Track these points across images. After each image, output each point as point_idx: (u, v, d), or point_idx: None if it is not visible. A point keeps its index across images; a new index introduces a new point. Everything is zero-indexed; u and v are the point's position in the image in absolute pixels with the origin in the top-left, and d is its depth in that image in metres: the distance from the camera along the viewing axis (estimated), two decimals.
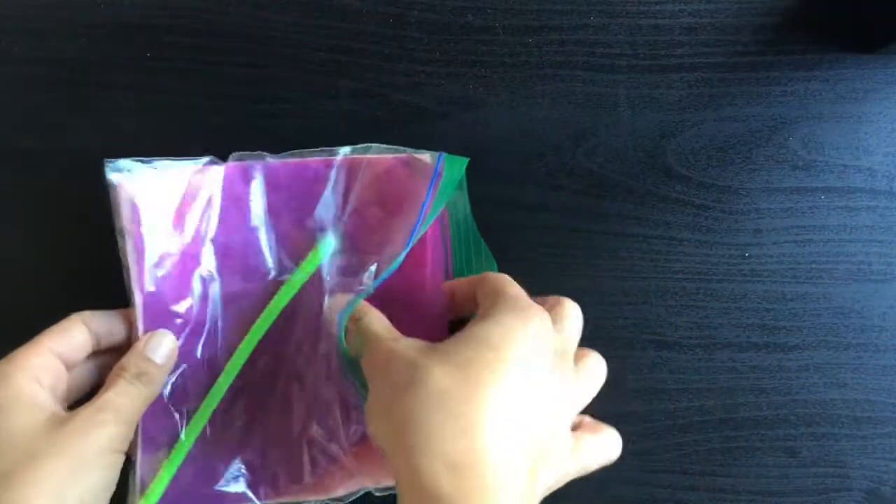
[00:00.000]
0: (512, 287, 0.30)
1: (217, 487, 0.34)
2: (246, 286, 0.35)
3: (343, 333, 0.32)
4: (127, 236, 0.33)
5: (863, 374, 0.38)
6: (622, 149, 0.38)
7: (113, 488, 0.30)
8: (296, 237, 0.36)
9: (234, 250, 0.35)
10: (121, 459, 0.30)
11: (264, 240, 0.35)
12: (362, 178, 0.35)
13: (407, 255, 0.33)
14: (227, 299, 0.35)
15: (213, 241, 0.35)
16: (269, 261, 0.35)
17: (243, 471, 0.34)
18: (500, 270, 0.36)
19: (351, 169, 0.36)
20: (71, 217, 0.38)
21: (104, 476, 0.29)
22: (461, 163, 0.36)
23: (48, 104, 0.38)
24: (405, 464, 0.25)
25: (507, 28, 0.38)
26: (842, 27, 0.39)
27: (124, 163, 0.33)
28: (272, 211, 0.35)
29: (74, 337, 0.32)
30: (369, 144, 0.36)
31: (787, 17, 0.39)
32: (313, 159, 0.36)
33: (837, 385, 0.38)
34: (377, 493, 0.35)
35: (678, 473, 0.38)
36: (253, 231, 0.35)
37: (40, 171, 0.38)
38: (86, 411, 0.30)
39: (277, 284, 0.35)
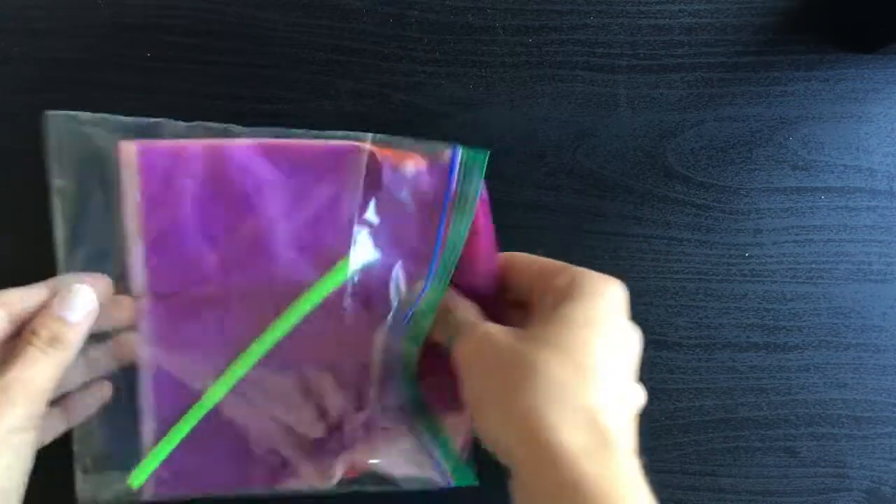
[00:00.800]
0: (573, 267, 0.30)
1: (206, 471, 0.34)
2: (252, 275, 0.33)
3: (415, 333, 0.31)
4: (124, 200, 0.32)
5: (863, 374, 0.38)
6: (622, 149, 0.38)
7: (29, 465, 0.28)
8: (311, 231, 0.34)
9: (231, 236, 0.33)
10: (32, 436, 0.28)
11: (267, 230, 0.33)
12: (385, 173, 0.34)
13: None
14: (235, 287, 0.33)
15: (204, 222, 0.33)
16: (279, 255, 0.33)
17: (232, 458, 0.34)
18: None
19: (369, 160, 0.34)
20: None
21: (14, 457, 0.28)
22: (481, 157, 0.34)
23: (48, 104, 0.38)
24: (539, 455, 0.26)
25: (507, 28, 0.39)
26: (842, 27, 0.39)
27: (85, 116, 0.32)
28: (282, 198, 0.33)
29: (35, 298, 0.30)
30: (387, 136, 0.34)
31: (787, 17, 0.39)
32: (332, 144, 0.33)
33: (837, 385, 0.38)
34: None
35: (678, 473, 0.38)
36: (254, 217, 0.33)
37: (40, 172, 0.38)
38: None
39: (289, 282, 0.33)
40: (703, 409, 0.38)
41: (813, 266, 0.38)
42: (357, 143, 0.33)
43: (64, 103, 0.38)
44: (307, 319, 0.33)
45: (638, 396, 0.29)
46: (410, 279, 0.33)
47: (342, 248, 0.33)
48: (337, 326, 0.34)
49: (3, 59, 0.38)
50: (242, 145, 0.33)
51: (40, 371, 0.29)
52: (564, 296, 0.28)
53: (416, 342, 0.32)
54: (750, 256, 0.38)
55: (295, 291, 0.33)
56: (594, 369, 0.26)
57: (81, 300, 0.30)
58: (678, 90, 0.39)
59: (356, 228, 0.33)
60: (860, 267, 0.38)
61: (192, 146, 0.33)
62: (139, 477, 0.32)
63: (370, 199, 0.33)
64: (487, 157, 0.34)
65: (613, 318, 0.28)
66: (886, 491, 0.38)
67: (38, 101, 0.38)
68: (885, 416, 0.38)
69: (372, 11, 0.39)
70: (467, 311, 0.31)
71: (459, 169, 0.33)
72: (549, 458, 0.25)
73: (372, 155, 0.33)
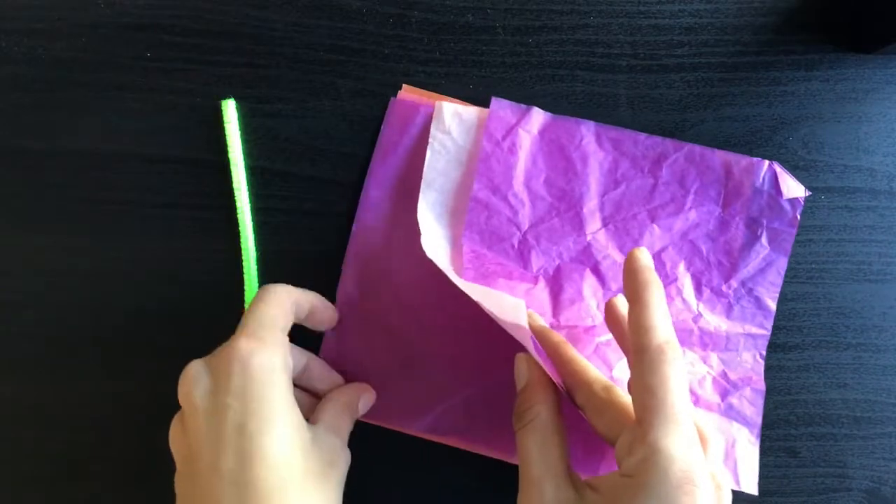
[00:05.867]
0: (677, 424, 0.26)
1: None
2: (553, 234, 0.37)
3: None
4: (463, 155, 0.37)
5: (863, 374, 0.38)
6: None
7: None
8: (623, 219, 0.37)
9: (549, 191, 0.37)
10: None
11: (582, 198, 0.37)
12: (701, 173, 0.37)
13: None
14: (536, 240, 0.37)
15: (528, 174, 0.37)
16: (585, 224, 0.37)
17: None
18: None
19: (690, 159, 0.37)
20: (71, 217, 0.38)
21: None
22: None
23: (48, 104, 0.38)
24: None
25: (507, 28, 0.38)
26: (842, 27, 0.39)
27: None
28: (601, 175, 0.37)
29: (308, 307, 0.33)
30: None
31: (787, 17, 0.39)
32: (657, 139, 0.37)
33: (837, 385, 0.38)
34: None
35: None
36: (575, 184, 0.37)
37: (40, 171, 0.38)
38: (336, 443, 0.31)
39: (587, 253, 0.37)
40: None
41: (813, 266, 0.38)
42: (676, 142, 0.37)
43: (64, 103, 0.38)
44: None
45: None
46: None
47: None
48: None
49: (3, 59, 0.38)
50: (581, 123, 0.38)
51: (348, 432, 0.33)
52: (641, 469, 0.26)
53: None
54: None
55: (587, 258, 0.37)
56: None
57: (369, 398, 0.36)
58: (678, 90, 0.39)
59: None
60: (860, 267, 0.38)
61: (538, 110, 0.37)
62: None
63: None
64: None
65: None
66: (886, 491, 0.38)
67: (38, 101, 0.38)
68: (885, 416, 0.38)
69: (372, 11, 0.39)
70: (547, 456, 0.29)
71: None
72: None
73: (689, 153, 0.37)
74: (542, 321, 0.36)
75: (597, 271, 0.37)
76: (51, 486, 0.37)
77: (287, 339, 0.31)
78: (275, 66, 0.38)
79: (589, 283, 0.37)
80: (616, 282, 0.37)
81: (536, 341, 0.31)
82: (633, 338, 0.29)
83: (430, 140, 0.37)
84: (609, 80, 0.38)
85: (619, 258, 0.37)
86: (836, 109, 0.39)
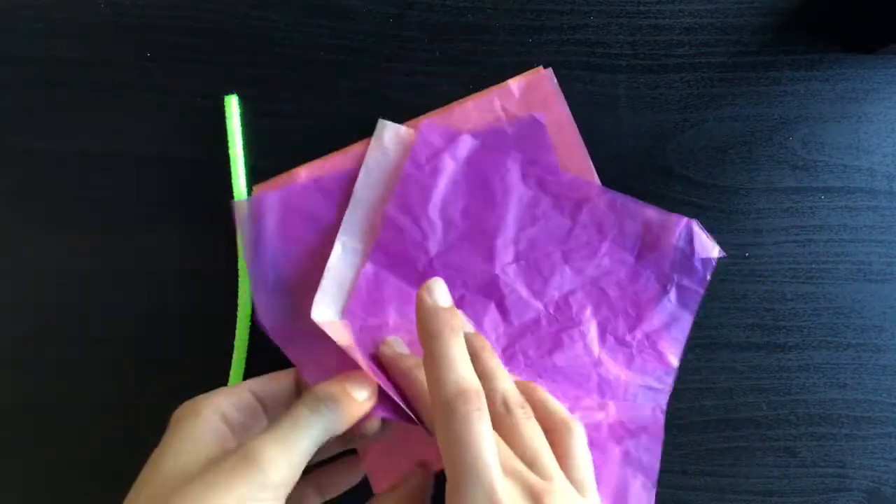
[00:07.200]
0: (474, 444, 0.24)
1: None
2: (460, 264, 0.36)
3: None
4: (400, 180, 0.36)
5: (863, 374, 0.38)
6: (622, 149, 0.38)
7: None
8: (534, 250, 0.37)
9: (464, 222, 0.37)
10: None
11: (497, 231, 0.36)
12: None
13: None
14: (441, 268, 0.36)
15: (445, 201, 0.36)
16: (496, 258, 0.36)
17: None
18: None
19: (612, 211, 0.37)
20: (71, 218, 0.38)
21: None
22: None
23: (48, 104, 0.38)
24: None
25: (507, 28, 0.38)
26: (842, 27, 0.39)
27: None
28: (519, 210, 0.37)
29: (280, 384, 0.30)
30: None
31: (787, 17, 0.39)
32: (582, 181, 0.37)
33: (837, 385, 0.38)
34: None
35: (678, 473, 0.38)
36: (491, 217, 0.37)
37: (40, 171, 0.38)
38: (233, 457, 0.25)
39: (487, 283, 0.36)
40: (703, 409, 0.38)
41: (813, 266, 0.38)
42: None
43: (64, 103, 0.38)
44: None
45: None
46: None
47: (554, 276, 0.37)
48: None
49: (3, 59, 0.38)
50: (508, 155, 0.37)
51: (306, 434, 0.26)
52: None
53: None
54: (750, 256, 0.38)
55: (490, 291, 0.36)
56: None
57: (370, 387, 0.29)
58: (678, 90, 0.39)
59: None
60: (860, 267, 0.38)
61: (468, 137, 0.37)
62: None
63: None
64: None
65: None
66: (886, 491, 0.38)
67: (38, 101, 0.38)
68: (885, 416, 0.38)
69: (372, 11, 0.39)
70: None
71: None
72: None
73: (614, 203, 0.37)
74: (403, 348, 0.33)
75: (501, 306, 0.36)
76: (52, 486, 0.37)
77: (249, 389, 0.29)
78: (275, 66, 0.38)
79: (490, 317, 0.36)
80: (519, 318, 0.36)
81: (373, 361, 0.31)
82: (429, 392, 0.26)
83: (366, 159, 0.37)
84: (609, 80, 0.38)
85: (526, 294, 0.36)
86: (836, 109, 0.39)
